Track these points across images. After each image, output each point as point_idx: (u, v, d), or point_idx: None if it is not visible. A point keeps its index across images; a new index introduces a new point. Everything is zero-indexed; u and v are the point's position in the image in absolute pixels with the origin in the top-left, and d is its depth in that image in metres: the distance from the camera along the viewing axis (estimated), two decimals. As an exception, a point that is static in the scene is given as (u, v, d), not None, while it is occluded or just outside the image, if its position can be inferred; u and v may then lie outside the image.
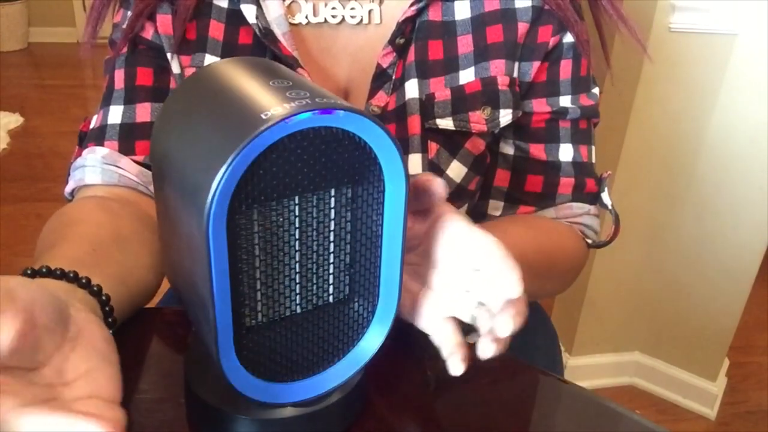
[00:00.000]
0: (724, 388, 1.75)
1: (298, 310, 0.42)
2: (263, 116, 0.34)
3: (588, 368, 1.76)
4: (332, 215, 0.41)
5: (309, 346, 0.43)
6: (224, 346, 0.39)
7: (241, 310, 0.39)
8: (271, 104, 0.35)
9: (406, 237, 0.45)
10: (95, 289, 0.47)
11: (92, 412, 0.35)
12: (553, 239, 0.70)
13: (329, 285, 0.43)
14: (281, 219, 0.38)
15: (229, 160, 0.34)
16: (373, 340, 0.45)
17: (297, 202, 0.39)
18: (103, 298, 0.47)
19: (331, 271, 0.42)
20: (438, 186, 0.46)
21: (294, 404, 0.43)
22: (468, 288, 0.46)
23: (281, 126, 0.34)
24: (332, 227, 0.41)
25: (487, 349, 0.43)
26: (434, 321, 0.47)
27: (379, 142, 0.39)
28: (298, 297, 0.41)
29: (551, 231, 0.70)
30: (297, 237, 0.40)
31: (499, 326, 0.42)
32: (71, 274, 0.46)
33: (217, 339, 0.38)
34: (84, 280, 0.46)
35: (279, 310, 0.41)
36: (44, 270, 0.45)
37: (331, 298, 0.43)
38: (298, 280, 0.41)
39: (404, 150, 0.64)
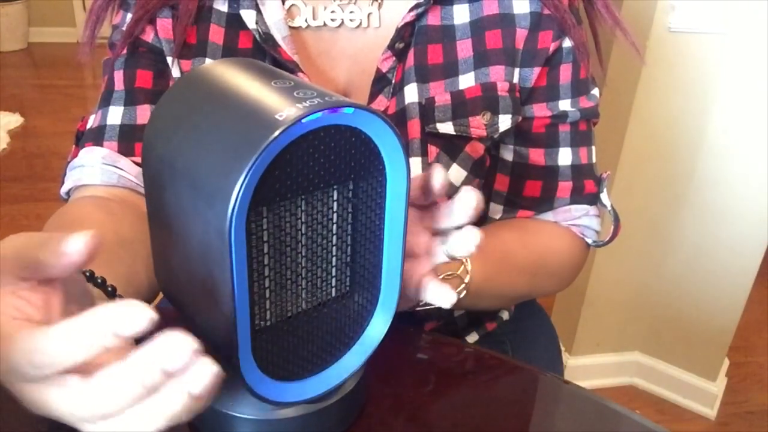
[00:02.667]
0: (724, 388, 1.75)
1: (304, 308, 0.42)
2: (278, 117, 0.34)
3: (588, 368, 1.76)
4: (335, 212, 0.41)
5: (317, 341, 0.43)
6: (244, 350, 0.39)
7: (252, 312, 0.39)
8: (282, 105, 0.35)
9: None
10: (110, 289, 0.47)
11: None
12: (541, 239, 0.70)
13: (332, 280, 0.43)
14: (289, 219, 0.39)
15: (251, 162, 0.33)
16: (377, 329, 0.45)
17: (303, 201, 0.39)
18: (117, 299, 0.47)
19: (334, 264, 0.42)
20: (435, 180, 0.46)
21: (307, 401, 0.43)
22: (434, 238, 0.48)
23: (297, 126, 0.35)
24: (335, 223, 0.41)
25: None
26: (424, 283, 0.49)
27: (384, 137, 0.39)
28: (304, 294, 0.42)
29: (539, 231, 0.71)
30: (303, 235, 0.40)
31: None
32: (87, 273, 0.46)
33: (237, 344, 0.38)
34: (99, 280, 0.47)
35: (287, 310, 0.41)
36: None
37: (333, 292, 0.43)
38: (304, 278, 0.41)
39: None
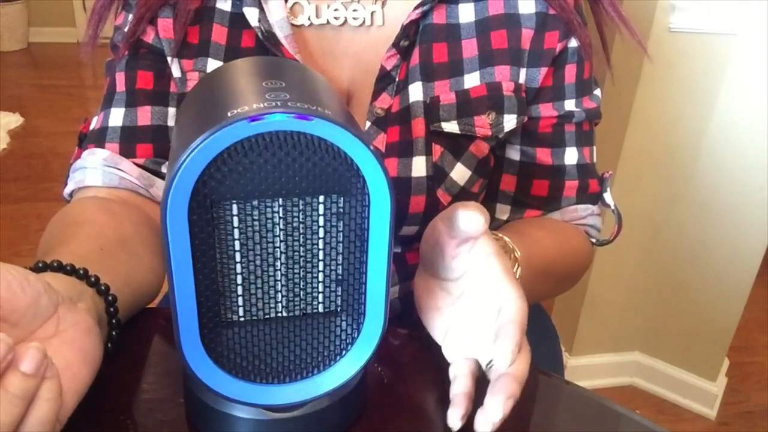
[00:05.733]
0: (724, 388, 1.75)
1: (284, 314, 0.41)
2: (229, 114, 0.35)
3: (588, 368, 1.76)
4: (321, 223, 0.40)
5: (286, 353, 0.42)
6: (186, 335, 0.39)
7: (210, 305, 0.39)
8: (243, 104, 0.35)
9: (449, 265, 0.47)
10: (103, 288, 0.47)
11: None
12: (570, 243, 0.70)
13: (317, 294, 0.42)
14: (264, 219, 0.38)
15: (185, 154, 0.34)
16: (355, 360, 0.43)
17: (281, 204, 0.38)
18: (110, 298, 0.48)
19: (320, 279, 0.41)
20: (472, 226, 0.45)
21: (266, 407, 0.43)
22: (488, 338, 0.47)
23: (241, 125, 0.34)
24: (321, 235, 0.40)
25: (482, 426, 0.43)
26: (456, 355, 0.50)
27: (361, 155, 0.38)
28: (282, 300, 0.41)
29: (568, 235, 0.71)
30: (282, 240, 0.39)
31: (488, 408, 0.43)
32: (81, 271, 0.46)
33: (178, 327, 0.39)
34: (93, 278, 0.47)
35: (262, 311, 0.41)
36: (55, 264, 0.45)
37: (320, 308, 0.42)
38: (283, 283, 0.41)
39: (408, 152, 0.64)
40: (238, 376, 0.41)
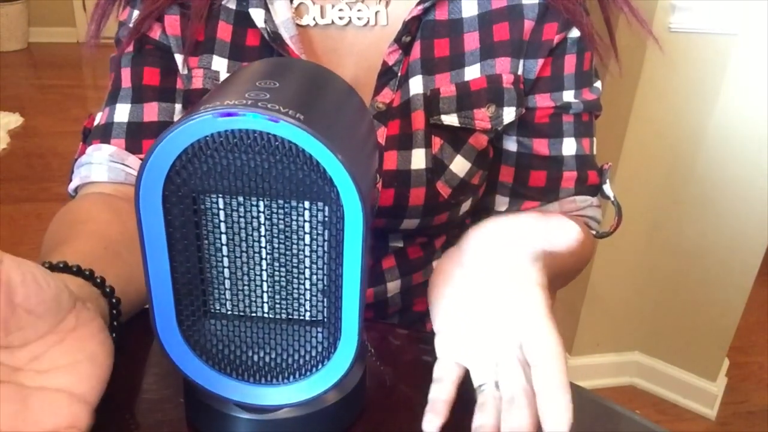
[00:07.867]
0: (724, 388, 1.75)
1: (266, 315, 0.41)
2: (203, 108, 0.35)
3: (588, 368, 1.77)
4: (295, 228, 0.39)
5: (262, 353, 0.42)
6: (162, 318, 0.40)
7: (186, 293, 0.40)
8: (223, 100, 0.35)
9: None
10: (107, 290, 0.47)
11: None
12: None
13: (295, 301, 0.41)
14: (248, 216, 0.38)
15: (156, 143, 0.35)
16: (330, 375, 0.42)
17: (253, 204, 0.38)
18: (113, 301, 0.48)
19: (295, 286, 0.41)
20: (568, 241, 0.44)
21: (235, 403, 0.43)
22: (499, 365, 0.45)
23: (208, 120, 0.34)
24: (296, 241, 0.39)
25: None
26: (447, 354, 0.48)
27: (332, 163, 0.36)
28: (258, 301, 0.41)
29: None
30: (256, 240, 0.39)
31: None
32: (87, 272, 0.46)
33: (153, 311, 0.40)
34: (98, 279, 0.47)
35: (236, 306, 0.41)
36: (61, 265, 0.46)
37: (297, 315, 0.42)
38: (258, 284, 0.41)
39: (408, 145, 0.64)
40: (213, 367, 0.41)
